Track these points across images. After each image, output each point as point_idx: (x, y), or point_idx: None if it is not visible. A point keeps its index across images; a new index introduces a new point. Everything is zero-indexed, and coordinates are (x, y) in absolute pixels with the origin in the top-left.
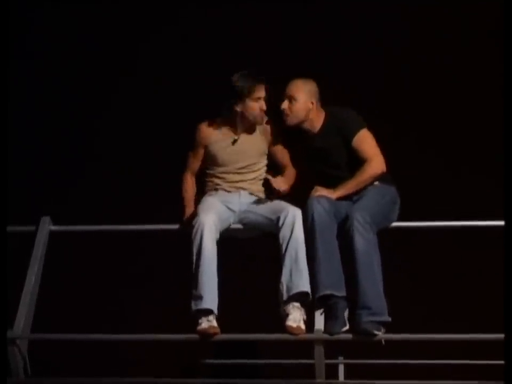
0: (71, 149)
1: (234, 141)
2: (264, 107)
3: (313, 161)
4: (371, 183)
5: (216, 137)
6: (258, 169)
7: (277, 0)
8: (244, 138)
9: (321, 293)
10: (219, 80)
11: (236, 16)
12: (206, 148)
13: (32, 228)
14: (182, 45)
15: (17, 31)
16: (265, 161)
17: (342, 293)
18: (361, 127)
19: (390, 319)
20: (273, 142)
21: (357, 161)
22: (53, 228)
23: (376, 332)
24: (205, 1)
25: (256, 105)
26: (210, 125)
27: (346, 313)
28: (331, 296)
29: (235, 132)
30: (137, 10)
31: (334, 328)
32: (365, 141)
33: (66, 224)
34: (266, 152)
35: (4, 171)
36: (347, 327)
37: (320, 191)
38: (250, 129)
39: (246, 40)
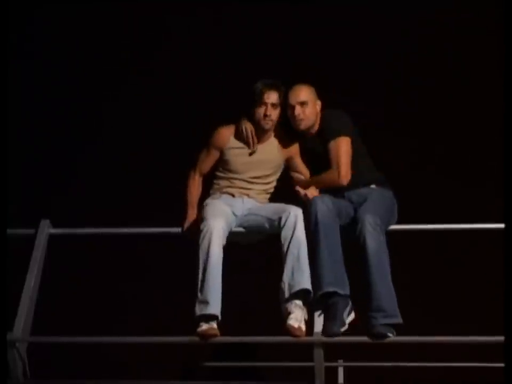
0: (71, 152)
1: (252, 152)
2: (269, 112)
3: (311, 163)
4: (329, 187)
5: (234, 144)
6: (269, 182)
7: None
8: (261, 149)
9: (325, 290)
10: (222, 84)
11: (246, 21)
12: (221, 152)
13: (31, 231)
14: (182, 47)
15: (18, 30)
16: (277, 175)
17: (345, 291)
18: (341, 134)
19: (401, 321)
20: (292, 155)
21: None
22: (53, 230)
23: (389, 335)
24: (216, 4)
25: (260, 110)
26: (229, 129)
27: (346, 313)
28: (334, 294)
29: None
30: (142, 10)
31: (332, 329)
32: (339, 148)
33: (66, 227)
34: (281, 166)
35: (3, 174)
36: (346, 327)
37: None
38: (267, 139)
39: (250, 39)
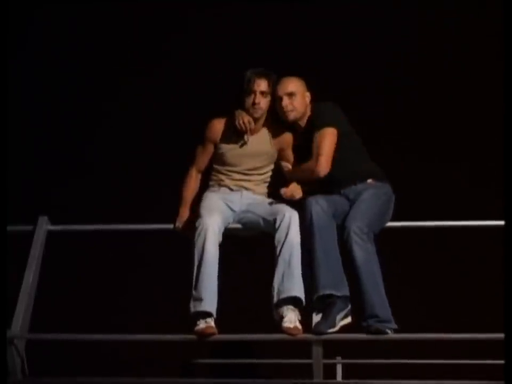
0: (69, 148)
1: (244, 143)
2: (258, 100)
3: (302, 160)
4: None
5: (226, 136)
6: (265, 173)
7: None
8: (254, 140)
9: (321, 293)
10: (214, 80)
11: (240, 16)
12: (215, 144)
13: (29, 228)
14: (182, 47)
15: (17, 31)
16: (272, 165)
17: (343, 292)
18: (328, 125)
19: (396, 326)
20: (284, 147)
21: (342, 157)
22: (51, 227)
23: (387, 331)
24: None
25: (249, 99)
26: (221, 122)
27: (341, 315)
28: (331, 295)
29: (245, 132)
30: (142, 10)
31: (320, 327)
32: (322, 139)
33: (64, 224)
34: (275, 157)
35: (3, 171)
36: (336, 328)
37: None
38: (261, 130)
39: (247, 38)
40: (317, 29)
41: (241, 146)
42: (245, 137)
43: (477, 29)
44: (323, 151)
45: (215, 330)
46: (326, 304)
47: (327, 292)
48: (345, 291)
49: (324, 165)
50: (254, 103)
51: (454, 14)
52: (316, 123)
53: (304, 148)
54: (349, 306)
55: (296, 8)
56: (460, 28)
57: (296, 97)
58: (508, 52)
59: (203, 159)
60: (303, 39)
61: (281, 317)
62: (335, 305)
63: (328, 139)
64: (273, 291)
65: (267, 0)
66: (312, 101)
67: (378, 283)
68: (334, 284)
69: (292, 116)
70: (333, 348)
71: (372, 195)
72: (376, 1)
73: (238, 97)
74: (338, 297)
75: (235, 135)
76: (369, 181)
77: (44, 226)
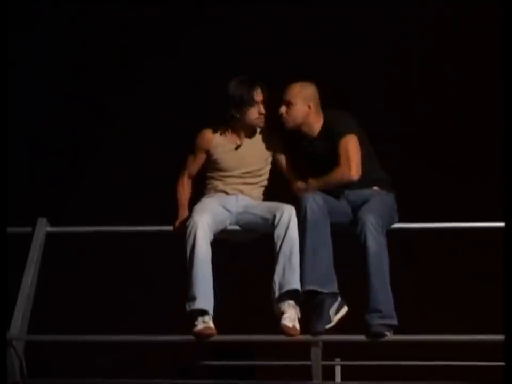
0: (68, 150)
1: (238, 147)
2: (263, 110)
3: (313, 166)
4: (343, 186)
5: (219, 142)
6: (261, 175)
7: (276, 3)
8: (247, 144)
9: (305, 288)
10: (215, 86)
11: (234, 21)
12: (208, 152)
13: (28, 229)
14: (181, 50)
15: (17, 33)
16: (268, 168)
17: (330, 288)
18: (349, 132)
19: (397, 323)
20: (277, 149)
21: None
22: (50, 229)
23: (386, 333)
24: (204, 5)
25: (254, 110)
26: (213, 130)
27: (333, 309)
28: (316, 292)
29: (238, 137)
30: (138, 12)
31: (317, 328)
32: (348, 146)
33: (63, 225)
34: (270, 159)
35: (3, 172)
36: (333, 323)
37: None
38: (253, 135)
39: (244, 44)
40: (317, 31)
41: (235, 150)
42: (238, 141)
43: (477, 31)
44: (353, 158)
45: (213, 331)
46: (315, 303)
47: (311, 287)
48: (332, 288)
49: (357, 170)
50: (260, 113)
51: (454, 13)
52: (335, 132)
53: (318, 155)
54: (339, 299)
55: (296, 9)
56: (460, 30)
57: (293, 106)
58: (508, 51)
59: (194, 166)
60: (305, 45)
61: (282, 313)
62: (325, 301)
63: (353, 145)
64: (274, 286)
65: (267, 1)
66: (322, 108)
67: (385, 276)
68: (319, 280)
69: (286, 124)
70: (332, 350)
71: (381, 199)
72: (376, 2)
73: (227, 107)
74: (325, 294)
75: (227, 140)
76: (375, 188)
77: (43, 227)
